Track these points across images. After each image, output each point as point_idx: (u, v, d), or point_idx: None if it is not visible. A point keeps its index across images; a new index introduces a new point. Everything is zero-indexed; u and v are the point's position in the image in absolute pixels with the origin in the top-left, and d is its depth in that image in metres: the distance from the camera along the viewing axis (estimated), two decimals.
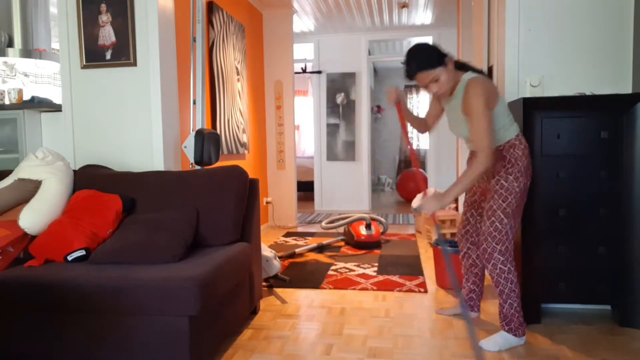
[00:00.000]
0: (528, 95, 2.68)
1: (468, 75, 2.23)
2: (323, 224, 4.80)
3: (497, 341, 2.25)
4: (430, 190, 2.10)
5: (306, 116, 9.24)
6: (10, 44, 3.72)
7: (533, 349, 2.22)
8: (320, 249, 4.35)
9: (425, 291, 3.08)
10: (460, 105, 2.22)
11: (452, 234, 3.41)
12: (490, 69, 3.25)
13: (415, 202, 2.23)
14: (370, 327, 2.51)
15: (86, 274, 1.98)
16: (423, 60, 2.17)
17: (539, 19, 2.68)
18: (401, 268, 3.62)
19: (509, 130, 2.23)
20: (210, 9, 4.05)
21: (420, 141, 9.75)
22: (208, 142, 2.93)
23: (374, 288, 3.16)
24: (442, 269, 3.24)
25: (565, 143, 2.45)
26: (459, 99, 2.22)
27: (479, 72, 2.27)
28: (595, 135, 2.42)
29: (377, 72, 10.23)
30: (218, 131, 4.06)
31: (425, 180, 6.75)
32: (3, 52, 3.70)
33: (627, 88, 2.64)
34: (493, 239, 2.21)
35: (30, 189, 2.44)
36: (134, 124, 2.97)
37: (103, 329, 1.92)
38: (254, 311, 2.71)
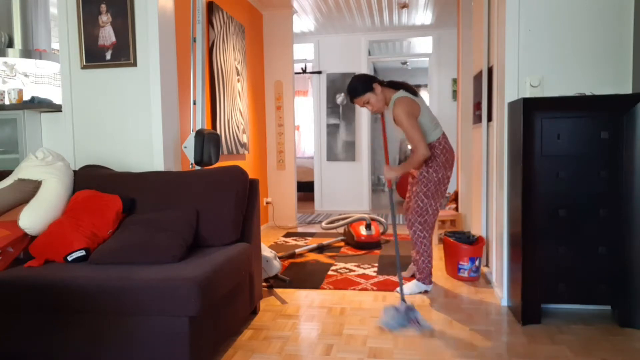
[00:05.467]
0: (528, 95, 2.68)
1: (398, 94, 2.88)
2: (323, 224, 4.80)
3: (410, 286, 3.04)
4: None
5: (306, 116, 9.24)
6: (10, 44, 3.72)
7: (533, 349, 2.22)
8: (320, 249, 4.35)
9: (426, 291, 3.08)
10: (392, 117, 2.92)
11: (453, 231, 3.44)
12: (490, 69, 3.25)
13: (387, 173, 2.90)
14: (370, 327, 2.51)
15: (86, 274, 1.98)
16: (352, 90, 2.92)
17: (539, 19, 2.68)
18: (401, 268, 3.61)
19: (431, 135, 2.91)
20: (210, 9, 4.05)
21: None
22: (208, 142, 2.93)
23: (374, 288, 3.16)
24: (452, 259, 3.35)
25: (565, 143, 2.44)
26: (391, 112, 2.92)
27: (408, 88, 2.93)
28: (595, 135, 2.42)
29: (377, 72, 10.23)
30: (218, 131, 4.06)
31: None
32: (3, 53, 3.70)
33: (627, 88, 2.64)
34: (415, 212, 2.98)
35: (30, 189, 2.44)
36: (134, 124, 2.97)
37: (103, 329, 1.92)
38: (254, 311, 2.71)
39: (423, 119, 2.88)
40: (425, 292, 3.07)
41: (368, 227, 4.41)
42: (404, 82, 3.00)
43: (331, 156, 6.91)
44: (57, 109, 3.19)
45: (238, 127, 4.60)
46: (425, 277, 3.04)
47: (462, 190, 4.66)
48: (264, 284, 3.17)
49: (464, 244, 3.27)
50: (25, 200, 2.41)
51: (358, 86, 2.89)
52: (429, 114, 2.93)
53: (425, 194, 2.95)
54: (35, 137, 3.22)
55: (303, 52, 7.43)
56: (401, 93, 2.88)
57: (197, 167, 2.97)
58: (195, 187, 2.50)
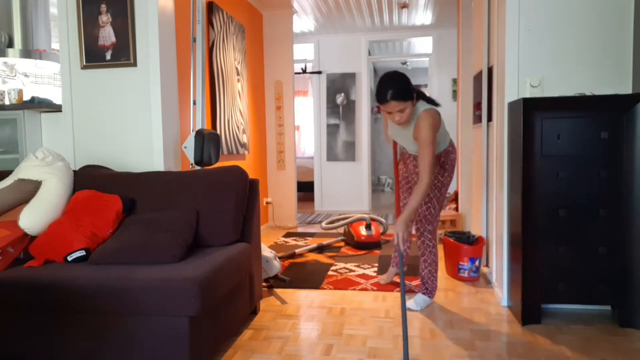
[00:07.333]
0: (528, 95, 2.68)
1: (421, 105, 2.53)
2: (323, 224, 4.80)
3: (417, 301, 2.79)
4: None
5: (306, 116, 9.24)
6: (10, 44, 3.72)
7: (533, 349, 2.22)
8: (320, 249, 4.35)
9: None
10: (413, 131, 2.56)
11: (453, 231, 3.45)
12: (490, 69, 3.25)
13: (398, 240, 2.39)
14: (370, 327, 2.51)
15: (86, 274, 1.97)
16: (401, 90, 2.41)
17: (539, 19, 2.68)
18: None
19: (445, 142, 2.71)
20: (210, 9, 4.05)
21: None
22: (208, 142, 2.93)
23: (374, 288, 3.16)
24: (452, 259, 3.34)
25: (565, 143, 2.44)
26: (412, 126, 2.56)
27: (429, 100, 2.60)
28: (595, 135, 2.42)
29: (377, 73, 10.22)
30: (218, 131, 4.06)
31: None
32: (3, 53, 3.70)
33: (627, 88, 2.64)
34: (426, 221, 2.75)
35: (30, 189, 2.44)
36: (134, 124, 2.97)
37: (103, 329, 1.92)
38: (254, 311, 2.71)
39: (441, 129, 2.65)
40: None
41: (368, 227, 4.40)
42: (420, 90, 2.64)
43: (331, 156, 6.91)
44: (57, 109, 3.19)
45: (238, 127, 4.60)
46: (433, 289, 2.84)
47: (462, 190, 4.66)
48: (264, 284, 3.17)
49: (464, 244, 3.27)
50: (25, 200, 2.41)
51: (405, 89, 2.41)
52: (442, 123, 2.68)
53: (438, 199, 2.74)
54: (35, 137, 3.22)
55: (303, 52, 7.43)
56: (426, 105, 2.54)
57: (197, 167, 2.97)
58: (195, 187, 2.50)
